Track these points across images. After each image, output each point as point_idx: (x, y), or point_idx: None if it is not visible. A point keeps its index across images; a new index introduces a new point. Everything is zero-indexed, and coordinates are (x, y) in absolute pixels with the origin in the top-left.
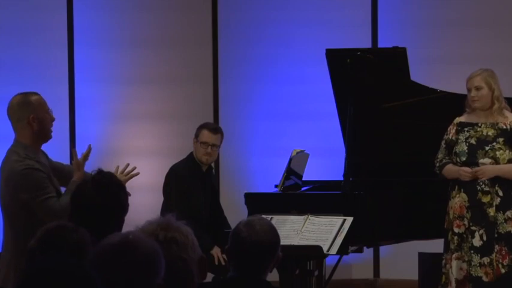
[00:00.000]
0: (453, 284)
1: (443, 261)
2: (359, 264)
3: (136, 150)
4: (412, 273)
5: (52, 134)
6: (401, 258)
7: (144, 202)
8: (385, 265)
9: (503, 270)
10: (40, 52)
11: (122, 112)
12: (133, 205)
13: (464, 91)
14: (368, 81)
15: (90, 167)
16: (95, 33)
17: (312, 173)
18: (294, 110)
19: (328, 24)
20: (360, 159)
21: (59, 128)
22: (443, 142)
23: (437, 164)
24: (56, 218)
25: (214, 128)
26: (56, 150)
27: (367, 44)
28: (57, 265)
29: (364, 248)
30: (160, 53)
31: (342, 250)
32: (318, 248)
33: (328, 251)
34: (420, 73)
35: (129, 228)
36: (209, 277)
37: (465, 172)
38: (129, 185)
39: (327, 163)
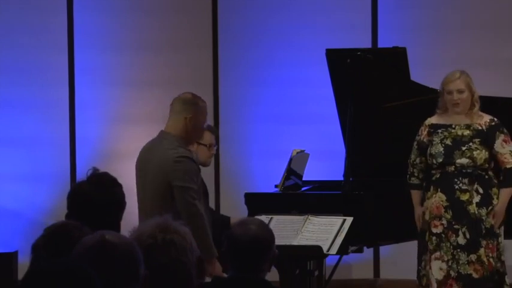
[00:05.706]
0: (434, 284)
1: (423, 262)
2: (359, 264)
3: (136, 152)
4: (412, 273)
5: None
6: (401, 258)
7: None
8: (385, 265)
9: (494, 263)
10: (40, 54)
11: (122, 115)
12: (132, 206)
13: None
14: (368, 82)
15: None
16: (95, 35)
17: (312, 175)
18: (294, 112)
19: (328, 27)
20: (360, 159)
21: (59, 130)
22: (415, 143)
23: (410, 171)
24: (187, 214)
25: (212, 127)
26: (56, 152)
27: (367, 46)
28: (59, 265)
29: (364, 248)
30: (161, 56)
31: (342, 250)
32: (318, 248)
33: (328, 251)
34: (420, 75)
35: (128, 228)
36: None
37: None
38: (129, 187)
39: (326, 166)
